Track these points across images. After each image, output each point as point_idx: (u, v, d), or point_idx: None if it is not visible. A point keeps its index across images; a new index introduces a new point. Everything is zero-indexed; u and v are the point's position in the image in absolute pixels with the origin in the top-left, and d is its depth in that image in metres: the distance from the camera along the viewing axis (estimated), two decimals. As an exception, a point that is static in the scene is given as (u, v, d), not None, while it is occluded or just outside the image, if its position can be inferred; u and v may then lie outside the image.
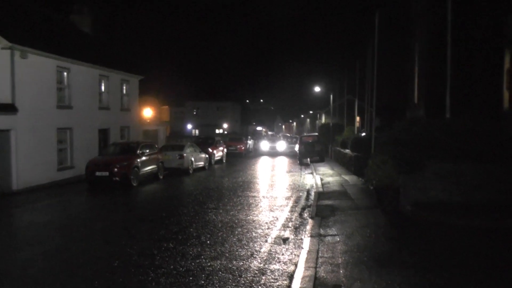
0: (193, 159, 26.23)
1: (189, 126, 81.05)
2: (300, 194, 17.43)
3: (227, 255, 8.85)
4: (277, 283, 7.22)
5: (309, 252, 8.60)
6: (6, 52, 18.91)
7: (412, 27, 24.67)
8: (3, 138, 18.80)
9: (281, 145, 46.05)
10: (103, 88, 27.40)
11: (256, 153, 46.77)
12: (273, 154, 44.10)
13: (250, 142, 49.05)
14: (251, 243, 9.73)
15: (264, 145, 46.59)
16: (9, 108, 18.89)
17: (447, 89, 15.23)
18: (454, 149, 12.54)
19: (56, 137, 22.27)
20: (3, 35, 18.71)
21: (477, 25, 17.89)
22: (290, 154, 43.09)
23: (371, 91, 22.82)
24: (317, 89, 55.31)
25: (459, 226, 10.37)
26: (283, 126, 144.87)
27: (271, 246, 9.48)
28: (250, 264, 8.19)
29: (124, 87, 30.23)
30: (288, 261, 8.42)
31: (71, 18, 30.41)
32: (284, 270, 7.86)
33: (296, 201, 15.63)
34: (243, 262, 8.32)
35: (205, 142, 34.54)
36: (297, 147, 39.24)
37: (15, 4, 24.19)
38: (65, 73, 23.26)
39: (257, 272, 7.77)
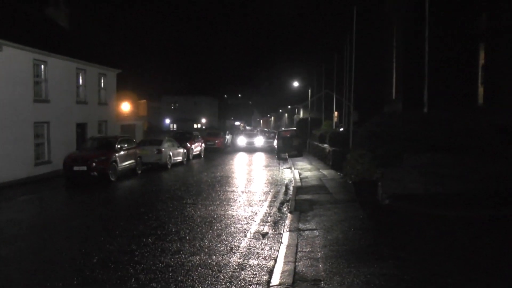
0: (171, 154, 26.13)
1: (167, 121, 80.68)
2: (279, 188, 17.52)
3: (206, 250, 8.87)
4: (257, 278, 7.28)
5: (288, 246, 8.67)
6: (-20, 45, 18.61)
7: (390, 22, 24.94)
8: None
9: (259, 140, 44.56)
10: (80, 81, 27.09)
11: (233, 149, 45.59)
12: (251, 150, 42.26)
13: (228, 137, 49.06)
14: (230, 238, 9.77)
15: (241, 140, 44.65)
16: (-17, 102, 18.60)
17: (425, 83, 15.47)
18: (430, 141, 12.77)
19: (33, 132, 21.98)
20: (-23, 27, 18.42)
21: (454, 21, 18.17)
22: (268, 150, 42.38)
23: (349, 85, 23.03)
24: (295, 83, 55.53)
25: (437, 217, 10.57)
26: (261, 121, 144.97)
27: (250, 241, 9.53)
28: (230, 259, 8.23)
29: (102, 81, 29.92)
30: (268, 256, 8.48)
31: (47, 12, 29.97)
32: (263, 265, 7.92)
33: (275, 196, 15.70)
34: (222, 258, 8.36)
35: (183, 136, 34.43)
36: (275, 142, 39.29)
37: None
38: (42, 66, 22.93)
39: (236, 267, 7.81)
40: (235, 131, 64.86)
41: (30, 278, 7.46)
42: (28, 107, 21.54)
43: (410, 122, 13.29)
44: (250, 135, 47.95)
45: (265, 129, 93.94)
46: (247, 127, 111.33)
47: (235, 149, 44.07)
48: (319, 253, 8.12)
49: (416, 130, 12.96)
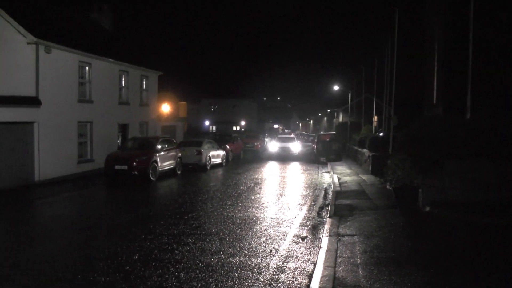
0: (210, 155, 26.35)
1: (207, 123, 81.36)
2: (318, 193, 17.44)
3: (246, 252, 8.91)
4: (296, 282, 7.27)
5: (327, 251, 8.62)
6: (31, 47, 19.36)
7: (431, 24, 24.51)
8: (27, 131, 19.14)
9: (296, 146, 37.09)
10: (123, 83, 27.70)
11: (262, 155, 39.05)
12: (284, 159, 34.72)
13: (267, 139, 49.05)
14: (269, 241, 9.78)
15: (273, 146, 37.43)
16: (33, 101, 19.26)
17: (468, 87, 15.12)
18: (473, 147, 12.46)
19: (77, 131, 22.61)
20: (29, 30, 19.16)
21: (500, 22, 17.72)
22: (307, 157, 37.13)
23: (389, 89, 22.73)
24: (335, 87, 55.18)
25: (479, 225, 10.32)
26: (300, 124, 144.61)
27: (290, 245, 9.52)
28: (269, 262, 8.24)
29: (144, 83, 30.49)
30: (307, 260, 8.45)
31: (92, 16, 30.78)
32: (303, 269, 7.90)
33: (314, 200, 15.64)
34: (262, 260, 8.38)
35: (223, 138, 34.74)
36: (314, 146, 39.01)
37: (39, 2, 24.56)
38: (86, 68, 23.58)
39: (276, 270, 7.81)
40: (274, 134, 64.73)
41: (74, 273, 7.64)
42: (73, 107, 22.17)
43: (452, 127, 12.99)
44: (285, 139, 39.67)
45: (304, 132, 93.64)
46: (285, 130, 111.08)
47: (264, 157, 37.28)
48: (359, 259, 8.05)
49: (458, 135, 12.67)
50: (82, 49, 22.82)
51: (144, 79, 30.42)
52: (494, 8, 17.67)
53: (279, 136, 46.08)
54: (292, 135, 50.48)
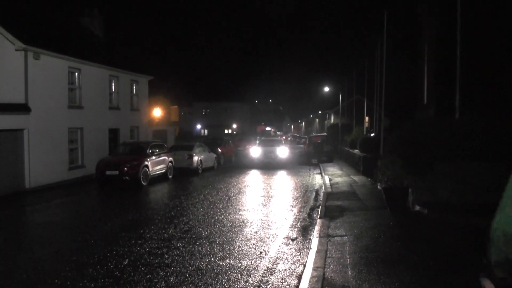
0: (202, 159, 26.34)
1: (198, 126, 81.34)
2: (309, 194, 17.48)
3: (236, 254, 8.92)
4: (286, 283, 7.29)
5: (317, 252, 8.65)
6: (20, 54, 19.25)
7: (421, 26, 24.65)
8: (16, 138, 19.05)
9: (283, 151, 30.59)
10: (113, 88, 27.63)
11: (238, 164, 32.94)
12: (268, 166, 29.00)
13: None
14: (260, 243, 9.80)
15: (255, 151, 30.71)
16: (22, 108, 19.17)
17: (457, 89, 15.22)
18: (463, 149, 12.53)
19: (67, 137, 22.52)
20: (18, 37, 19.04)
21: (488, 23, 17.83)
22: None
23: (380, 91, 22.84)
24: (326, 89, 55.35)
25: (468, 225, 10.36)
26: (292, 126, 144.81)
27: (280, 246, 9.54)
28: (259, 264, 8.26)
29: (134, 87, 30.44)
30: (297, 261, 8.47)
31: (81, 21, 30.68)
32: (292, 270, 7.92)
33: (305, 201, 15.68)
34: (252, 262, 8.39)
35: (214, 142, 34.74)
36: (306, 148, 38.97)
37: (28, 8, 24.47)
38: (76, 74, 23.51)
39: (265, 271, 7.83)
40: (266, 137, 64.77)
41: (64, 279, 7.61)
42: (63, 113, 22.09)
43: (442, 128, 13.08)
44: (270, 143, 33.19)
45: (296, 134, 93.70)
46: (278, 132, 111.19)
47: (245, 164, 31.42)
48: (348, 260, 8.08)
49: (448, 137, 12.75)
50: (72, 54, 22.75)
51: (134, 84, 30.36)
52: (483, 10, 17.77)
53: (263, 139, 39.74)
54: (280, 138, 44.72)
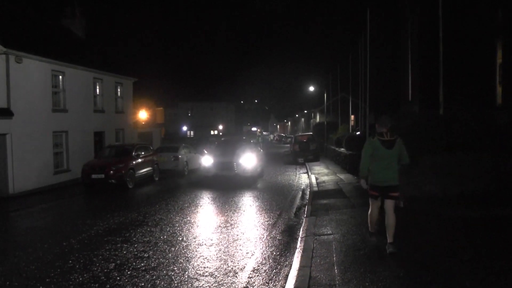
0: (188, 160, 26.29)
1: (184, 128, 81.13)
2: (295, 193, 17.52)
3: (222, 255, 8.90)
4: (272, 283, 7.28)
5: (304, 251, 8.64)
6: (1, 57, 19.02)
7: (404, 22, 24.80)
8: (-1, 143, 18.83)
9: (248, 160, 21.14)
10: (97, 90, 27.48)
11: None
12: (223, 186, 19.90)
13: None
14: (246, 243, 9.79)
15: (207, 161, 21.63)
16: (4, 113, 18.95)
17: (440, 84, 15.34)
18: (446, 142, 12.65)
19: (52, 141, 22.35)
20: (-2, 40, 18.81)
21: (469, 20, 17.99)
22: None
23: (364, 87, 22.92)
24: (311, 88, 55.49)
25: (455, 218, 10.45)
26: (278, 126, 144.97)
27: (266, 246, 9.54)
28: (245, 265, 8.25)
29: (118, 90, 30.28)
30: (283, 261, 8.48)
31: (63, 22, 30.43)
32: (279, 270, 7.92)
33: (291, 201, 15.70)
34: (238, 263, 8.38)
35: (200, 143, 34.66)
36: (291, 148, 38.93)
37: (9, 9, 24.20)
38: (60, 77, 23.33)
39: (252, 272, 7.82)
40: (250, 137, 64.71)
41: (48, 284, 7.53)
42: (47, 117, 21.91)
43: (425, 122, 13.19)
44: (229, 149, 23.02)
45: (282, 134, 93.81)
46: (264, 132, 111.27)
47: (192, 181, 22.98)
48: (334, 258, 8.09)
49: (432, 130, 12.86)
50: (55, 57, 22.57)
51: (118, 86, 30.20)
52: (466, 5, 17.94)
53: (219, 142, 29.61)
54: (252, 141, 33.91)
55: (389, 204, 8.33)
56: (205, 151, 24.76)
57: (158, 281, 7.51)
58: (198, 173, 24.92)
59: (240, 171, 20.61)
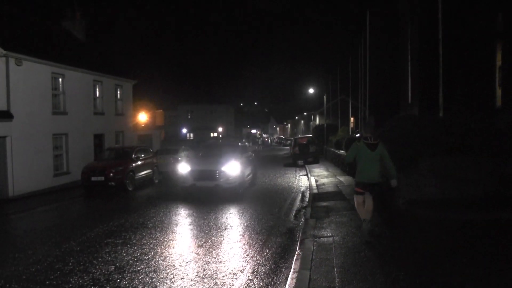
0: (188, 162, 26.23)
1: (184, 130, 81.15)
2: (295, 196, 17.51)
3: (222, 258, 8.90)
4: (271, 286, 7.28)
5: (303, 254, 8.63)
6: (1, 60, 19.03)
7: (404, 25, 24.82)
8: (-1, 145, 18.85)
9: (232, 168, 17.62)
10: (97, 93, 27.50)
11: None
12: (203, 201, 16.69)
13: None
14: (245, 246, 9.79)
15: (184, 168, 18.04)
16: (4, 115, 18.96)
17: (440, 87, 15.35)
18: (446, 144, 12.64)
19: (52, 143, 22.36)
20: (-2, 43, 18.84)
21: (468, 23, 18.00)
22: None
23: (364, 90, 22.95)
24: (310, 90, 55.52)
25: (454, 220, 10.45)
26: (277, 128, 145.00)
27: (266, 249, 9.53)
28: (245, 267, 8.24)
29: (118, 92, 30.30)
30: (283, 263, 8.48)
31: (63, 24, 30.47)
32: (278, 272, 7.92)
33: (291, 203, 15.70)
34: (238, 265, 8.38)
35: (199, 145, 34.66)
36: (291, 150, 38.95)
37: (9, 12, 24.24)
38: (59, 79, 23.35)
39: (251, 274, 7.82)
40: (252, 139, 64.70)
41: (48, 287, 7.55)
42: (47, 119, 21.92)
43: (425, 125, 13.19)
44: (212, 153, 20.15)
45: (282, 136, 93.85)
46: (263, 134, 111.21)
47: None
48: (334, 260, 8.08)
49: (431, 133, 12.85)
50: (55, 60, 22.61)
51: (118, 89, 30.22)
52: (466, 8, 17.95)
53: (205, 144, 25.83)
54: (238, 143, 25.32)
55: (370, 196, 9.71)
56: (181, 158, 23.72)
57: (158, 284, 7.51)
58: (173, 183, 21.72)
59: (223, 181, 17.07)
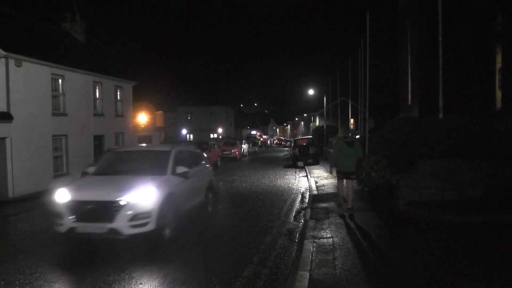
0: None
1: (184, 131, 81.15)
2: (295, 197, 17.51)
3: (222, 259, 8.90)
4: (272, 287, 7.29)
5: (303, 255, 8.64)
6: (1, 61, 19.02)
7: (404, 27, 24.83)
8: (-2, 147, 18.83)
9: (146, 195, 9.56)
10: (97, 94, 27.48)
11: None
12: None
13: (244, 146, 48.99)
14: (245, 247, 9.78)
15: (62, 197, 10.14)
16: (4, 116, 18.96)
17: (440, 89, 15.36)
18: (445, 147, 12.65)
19: (51, 145, 22.34)
20: (-2, 44, 18.84)
21: (469, 25, 18.03)
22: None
23: (364, 91, 22.94)
24: (310, 91, 55.54)
25: (454, 223, 10.45)
26: (277, 130, 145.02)
27: (266, 250, 9.53)
28: (245, 268, 8.24)
29: (118, 93, 30.30)
30: (283, 264, 8.48)
31: (63, 26, 30.49)
32: (278, 274, 7.92)
33: (291, 205, 15.70)
34: (237, 267, 8.37)
35: (199, 147, 34.62)
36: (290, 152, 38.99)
37: (9, 14, 24.25)
38: (59, 81, 23.33)
39: (251, 276, 7.82)
40: (251, 141, 64.65)
41: (48, 289, 7.54)
42: (46, 120, 21.91)
43: (424, 127, 13.20)
44: (124, 167, 11.94)
45: (282, 137, 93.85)
46: (263, 135, 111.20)
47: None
48: (334, 262, 8.09)
49: (431, 135, 12.87)
50: (55, 61, 22.59)
51: (118, 90, 30.22)
52: (466, 11, 17.99)
53: (108, 157, 13.14)
54: (173, 148, 12.60)
55: (349, 183, 13.18)
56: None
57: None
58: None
59: (124, 222, 9.30)
